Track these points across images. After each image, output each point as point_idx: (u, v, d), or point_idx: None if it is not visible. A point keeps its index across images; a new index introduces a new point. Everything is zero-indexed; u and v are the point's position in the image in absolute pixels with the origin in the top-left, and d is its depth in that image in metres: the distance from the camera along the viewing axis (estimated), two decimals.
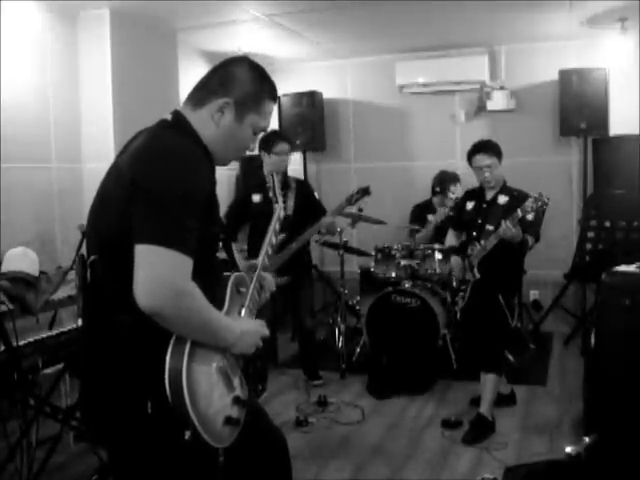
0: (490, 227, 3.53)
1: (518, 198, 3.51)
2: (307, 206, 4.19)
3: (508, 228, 3.34)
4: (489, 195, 3.67)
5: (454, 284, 3.75)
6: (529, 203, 3.34)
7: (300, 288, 4.28)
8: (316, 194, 4.37)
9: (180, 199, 1.43)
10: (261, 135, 3.84)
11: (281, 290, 3.95)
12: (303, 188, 4.29)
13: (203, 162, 1.57)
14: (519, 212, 3.36)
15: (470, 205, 3.77)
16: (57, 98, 4.20)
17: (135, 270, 1.39)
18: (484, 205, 3.68)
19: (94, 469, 2.91)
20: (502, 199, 3.60)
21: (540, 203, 3.33)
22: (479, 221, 3.65)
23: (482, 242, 3.53)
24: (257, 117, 1.67)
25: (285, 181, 4.19)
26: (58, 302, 3.12)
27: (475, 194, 3.77)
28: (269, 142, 4.03)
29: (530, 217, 3.43)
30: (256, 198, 4.14)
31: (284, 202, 4.04)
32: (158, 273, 1.39)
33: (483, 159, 3.58)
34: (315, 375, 4.48)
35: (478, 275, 3.58)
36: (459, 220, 3.88)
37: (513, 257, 3.58)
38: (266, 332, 1.70)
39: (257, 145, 3.94)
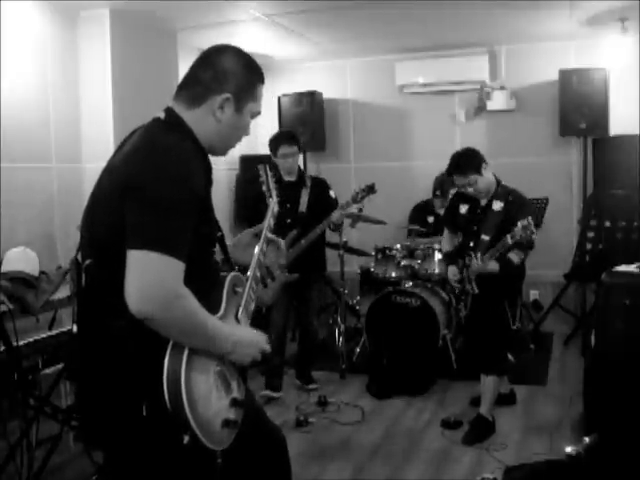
0: (485, 237, 3.45)
1: (513, 203, 3.43)
2: (322, 204, 4.14)
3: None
4: (483, 200, 3.55)
5: (456, 292, 3.72)
6: (518, 230, 3.20)
7: (309, 287, 4.24)
8: (332, 192, 4.30)
9: (172, 201, 1.43)
10: (270, 136, 3.79)
11: (290, 286, 3.94)
12: (318, 186, 4.26)
13: (197, 162, 1.56)
14: (509, 239, 3.24)
15: (464, 208, 3.65)
16: (57, 98, 4.20)
17: (126, 275, 1.39)
18: (478, 211, 3.57)
19: (94, 469, 2.91)
20: (497, 205, 3.47)
21: (529, 232, 3.17)
22: (474, 228, 3.56)
23: (479, 256, 3.41)
24: (253, 104, 1.70)
25: (300, 179, 4.18)
26: (58, 302, 3.13)
27: (468, 196, 3.60)
28: (273, 145, 4.07)
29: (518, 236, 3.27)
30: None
31: (293, 200, 4.03)
32: (148, 278, 1.38)
33: (460, 180, 3.46)
34: (309, 379, 4.45)
35: (477, 290, 3.52)
36: (453, 221, 3.78)
37: (508, 264, 3.50)
38: (266, 348, 1.67)
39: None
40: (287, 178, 4.13)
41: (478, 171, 3.42)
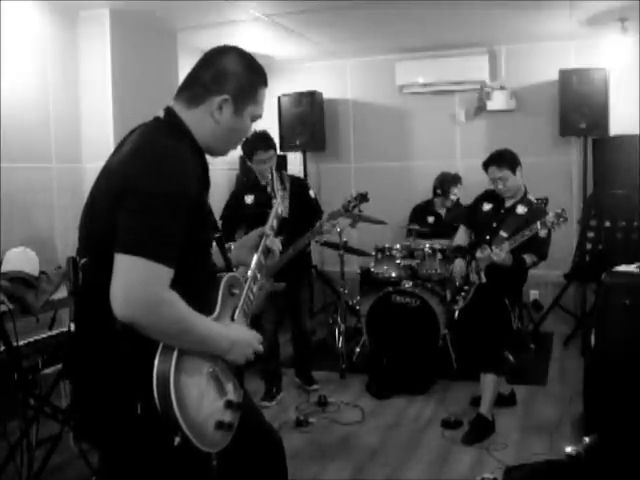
0: (504, 234, 3.51)
1: (536, 211, 3.51)
2: (303, 206, 4.09)
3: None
4: (508, 202, 3.66)
5: (457, 283, 3.73)
6: (550, 218, 3.35)
7: (299, 291, 4.23)
8: (312, 192, 4.24)
9: (164, 205, 1.42)
10: (243, 140, 3.76)
11: (280, 294, 3.95)
12: (299, 187, 4.17)
13: (194, 163, 1.55)
14: (538, 225, 3.37)
15: (487, 207, 3.75)
16: (57, 98, 4.20)
17: (112, 279, 1.39)
18: (502, 211, 3.67)
19: (94, 469, 2.91)
20: (521, 209, 3.58)
21: (562, 219, 3.34)
22: (494, 225, 3.63)
23: (493, 248, 3.48)
24: (254, 107, 1.68)
25: (279, 182, 4.04)
26: (58, 302, 3.13)
27: (494, 197, 3.73)
28: (247, 149, 3.91)
29: (543, 234, 3.43)
30: (249, 199, 4.07)
31: (260, 204, 3.93)
32: (131, 283, 1.38)
33: (494, 172, 3.58)
34: (310, 380, 4.44)
35: (484, 279, 3.56)
36: (473, 219, 3.86)
37: (521, 262, 3.55)
38: (259, 348, 1.67)
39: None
40: (264, 182, 4.01)
41: (512, 169, 3.57)
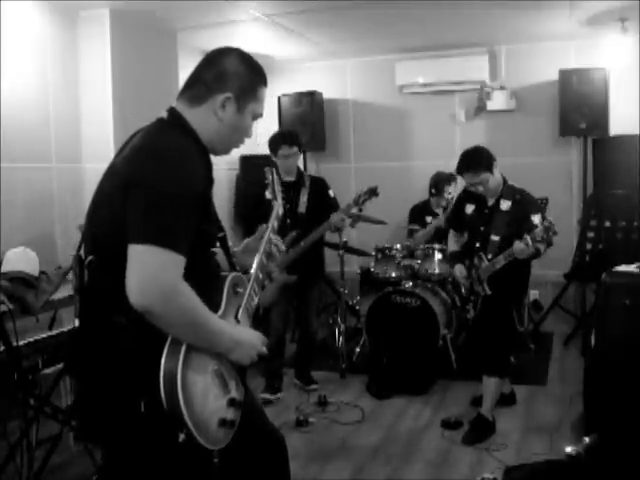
0: (495, 238, 3.41)
1: (521, 202, 3.40)
2: (321, 204, 4.14)
3: (522, 251, 3.19)
4: (490, 200, 3.51)
5: (463, 293, 3.69)
6: (539, 232, 3.15)
7: (309, 288, 4.24)
8: (331, 192, 4.29)
9: (173, 197, 1.44)
10: (270, 136, 3.86)
11: (290, 288, 3.97)
12: (317, 186, 4.24)
13: (198, 161, 1.57)
14: (529, 240, 3.17)
15: (470, 209, 3.62)
16: (57, 98, 4.19)
17: (127, 269, 1.41)
18: (486, 211, 3.53)
19: (94, 469, 2.91)
20: (505, 205, 3.43)
21: (551, 233, 3.15)
22: (481, 228, 3.52)
23: (489, 257, 3.41)
24: (255, 105, 1.72)
25: (299, 179, 4.16)
26: (58, 302, 3.13)
27: (475, 196, 3.56)
28: (273, 145, 4.04)
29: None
30: (269, 196, 4.14)
31: (292, 201, 4.05)
32: (148, 272, 1.40)
33: (472, 178, 3.38)
34: (309, 380, 4.44)
35: (489, 291, 3.48)
36: (459, 222, 3.77)
37: (524, 266, 3.48)
38: (263, 350, 1.69)
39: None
40: (286, 178, 4.11)
41: (490, 169, 3.37)
